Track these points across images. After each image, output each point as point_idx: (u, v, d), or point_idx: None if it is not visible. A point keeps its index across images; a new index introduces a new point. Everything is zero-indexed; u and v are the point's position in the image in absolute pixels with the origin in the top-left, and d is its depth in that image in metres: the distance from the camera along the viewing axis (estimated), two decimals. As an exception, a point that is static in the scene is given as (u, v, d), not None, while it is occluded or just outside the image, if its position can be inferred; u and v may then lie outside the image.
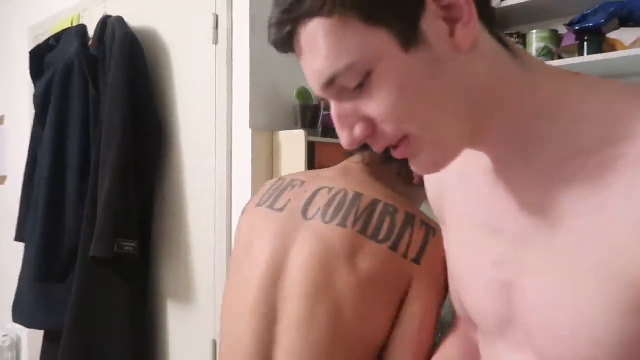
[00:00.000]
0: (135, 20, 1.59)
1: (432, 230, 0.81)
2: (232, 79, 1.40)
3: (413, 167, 0.52)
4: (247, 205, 0.95)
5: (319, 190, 0.86)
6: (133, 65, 1.49)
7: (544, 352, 0.51)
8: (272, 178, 1.38)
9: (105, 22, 1.61)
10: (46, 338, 1.71)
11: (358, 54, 0.46)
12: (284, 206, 0.86)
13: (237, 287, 0.85)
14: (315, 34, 0.47)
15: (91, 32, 1.69)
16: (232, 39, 1.40)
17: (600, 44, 1.54)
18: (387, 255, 0.77)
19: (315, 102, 1.42)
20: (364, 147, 0.97)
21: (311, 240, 0.79)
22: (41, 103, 1.73)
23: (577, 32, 1.62)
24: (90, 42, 1.70)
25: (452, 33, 0.47)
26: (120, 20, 1.55)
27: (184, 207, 1.53)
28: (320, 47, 0.47)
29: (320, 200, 0.84)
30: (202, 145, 1.48)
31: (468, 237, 0.59)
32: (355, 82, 0.47)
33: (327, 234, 0.79)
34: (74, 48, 1.68)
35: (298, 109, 1.40)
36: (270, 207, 0.87)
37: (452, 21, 0.46)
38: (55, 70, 1.70)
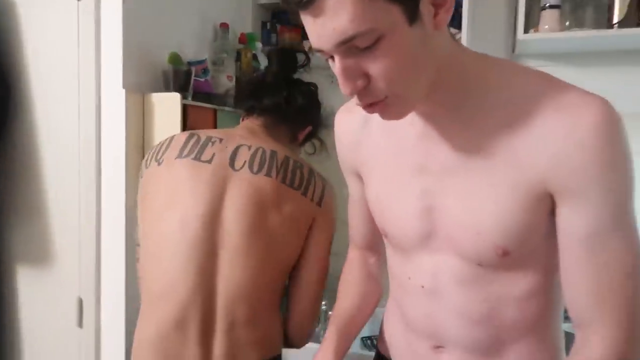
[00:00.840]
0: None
1: (326, 182, 1.08)
2: (100, 37, 1.39)
3: (382, 116, 0.68)
4: (159, 157, 1.04)
5: (239, 146, 1.03)
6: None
7: (464, 249, 0.72)
8: (143, 139, 1.45)
9: None
10: None
11: (377, 22, 0.57)
12: (211, 158, 1.00)
13: (166, 231, 0.96)
14: (344, 0, 0.56)
15: None
16: (99, -3, 1.39)
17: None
18: (300, 199, 1.02)
19: (185, 68, 1.51)
20: (263, 111, 1.15)
21: (245, 187, 0.97)
22: None
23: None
24: None
25: (436, 15, 0.62)
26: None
27: (39, 168, 1.47)
28: (347, 10, 0.56)
29: (243, 156, 1.01)
30: (63, 104, 1.43)
31: (395, 176, 0.79)
32: (367, 43, 0.59)
33: (257, 183, 0.99)
34: None
35: (170, 73, 1.47)
36: (197, 159, 1.00)
37: (437, 6, 0.61)
38: None
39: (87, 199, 1.42)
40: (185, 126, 1.44)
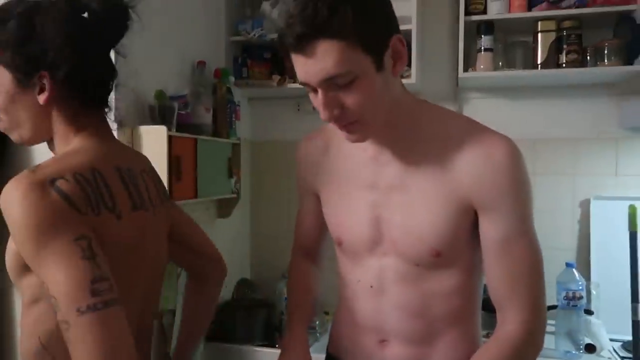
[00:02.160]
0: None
1: None
2: (94, 77, 1.56)
3: (350, 139, 0.88)
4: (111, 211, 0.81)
5: (141, 173, 0.94)
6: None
7: (405, 252, 0.92)
8: (132, 166, 1.61)
9: None
10: None
11: (354, 67, 0.79)
12: (148, 202, 0.91)
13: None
14: (329, 47, 0.77)
15: None
16: (93, 41, 1.55)
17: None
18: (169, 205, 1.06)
19: (168, 103, 1.69)
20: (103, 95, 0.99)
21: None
22: None
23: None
24: None
25: (394, 65, 0.84)
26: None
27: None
28: (333, 56, 0.77)
29: (149, 182, 0.96)
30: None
31: (350, 192, 0.98)
32: (345, 82, 0.80)
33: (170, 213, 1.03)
34: None
35: (156, 108, 1.64)
36: (144, 208, 0.89)
37: (396, 59, 0.84)
38: None
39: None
40: (170, 154, 1.61)
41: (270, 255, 2.45)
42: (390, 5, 0.85)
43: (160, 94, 1.67)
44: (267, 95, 2.38)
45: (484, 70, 1.99)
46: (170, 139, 1.61)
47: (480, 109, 2.20)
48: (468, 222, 0.90)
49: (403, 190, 0.92)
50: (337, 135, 0.93)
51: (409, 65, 2.06)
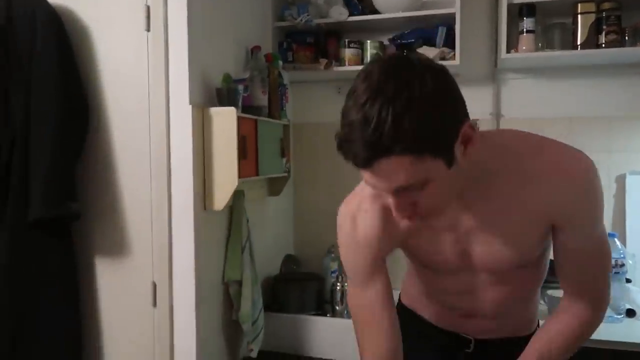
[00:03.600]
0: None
1: None
2: (168, 62, 1.66)
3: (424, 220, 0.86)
4: None
5: None
6: (62, 47, 1.60)
7: (492, 269, 0.96)
8: (203, 146, 1.72)
9: (10, -6, 1.63)
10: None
11: (425, 173, 0.75)
12: None
13: None
14: (397, 164, 0.72)
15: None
16: (167, 28, 1.65)
17: (412, 56, 2.26)
18: None
19: (234, 87, 1.79)
20: None
21: None
22: None
23: (397, 46, 2.33)
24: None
25: (465, 149, 0.78)
26: (38, -4, 1.61)
27: (116, 173, 1.72)
28: (401, 172, 0.73)
29: None
30: (136, 118, 1.69)
31: (434, 235, 0.96)
32: (417, 188, 0.77)
33: None
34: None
35: (224, 90, 1.74)
36: None
37: (466, 143, 0.78)
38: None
39: (158, 196, 1.68)
40: (238, 134, 1.71)
41: (312, 233, 2.56)
42: (458, 91, 0.78)
43: (227, 77, 1.77)
44: (309, 78, 2.46)
45: (525, 52, 2.07)
46: (238, 119, 1.71)
47: (517, 89, 2.29)
48: (547, 234, 0.95)
49: (485, 227, 0.93)
50: None
51: (453, 47, 2.16)
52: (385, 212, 0.93)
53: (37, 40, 1.58)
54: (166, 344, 1.70)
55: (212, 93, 1.77)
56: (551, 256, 1.04)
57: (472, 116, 2.58)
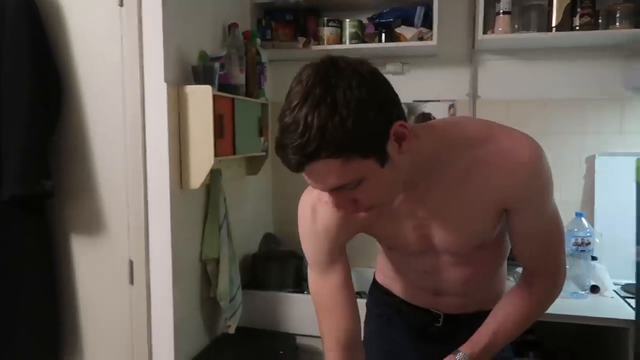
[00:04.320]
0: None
1: None
2: (142, 39, 1.64)
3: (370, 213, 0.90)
4: None
5: None
6: (33, 22, 1.56)
7: (454, 250, 1.00)
8: (179, 124, 1.71)
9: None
10: None
11: (357, 173, 0.78)
12: None
13: None
14: (327, 167, 0.75)
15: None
16: (140, 2, 1.62)
17: (391, 35, 2.27)
18: None
19: (210, 64, 1.77)
20: None
21: None
22: None
23: (375, 25, 2.33)
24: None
25: (400, 147, 0.80)
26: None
27: (90, 150, 1.70)
28: (332, 174, 0.76)
29: None
30: (109, 96, 1.67)
31: (395, 222, 1.00)
32: (351, 186, 0.80)
33: None
34: None
35: (200, 68, 1.73)
36: None
37: (400, 140, 0.80)
38: None
39: (134, 174, 1.67)
40: (215, 113, 1.71)
41: (291, 212, 2.56)
42: (388, 94, 0.80)
43: (203, 55, 1.75)
44: (288, 57, 2.44)
45: (502, 33, 2.09)
46: (214, 98, 1.70)
47: (494, 70, 2.32)
48: (500, 217, 0.98)
49: (442, 213, 0.97)
50: None
51: (430, 27, 2.17)
52: None
53: (6, 17, 1.54)
54: (143, 321, 1.72)
55: (188, 71, 1.76)
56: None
57: (448, 97, 2.60)
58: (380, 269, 1.27)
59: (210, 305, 1.95)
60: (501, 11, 2.08)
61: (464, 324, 1.11)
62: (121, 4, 1.64)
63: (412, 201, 0.96)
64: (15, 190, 1.51)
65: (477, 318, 1.09)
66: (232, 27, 2.00)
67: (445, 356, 1.02)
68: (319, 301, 1.07)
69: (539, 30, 2.12)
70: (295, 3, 2.29)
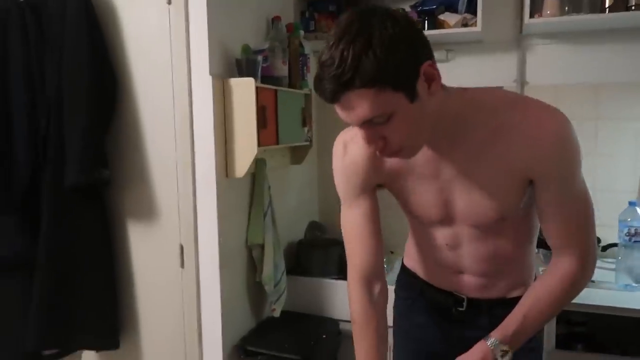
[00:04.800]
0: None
1: None
2: (189, 34, 1.72)
3: (398, 158, 0.94)
4: None
5: None
6: (91, 21, 1.68)
7: (475, 222, 1.03)
8: (224, 115, 1.79)
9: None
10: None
11: (387, 107, 0.83)
12: None
13: None
14: (360, 97, 0.81)
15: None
16: (187, 1, 1.70)
17: (434, 22, 2.25)
18: None
19: (253, 57, 1.83)
20: None
21: None
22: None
23: (418, 12, 2.31)
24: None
25: (429, 87, 0.86)
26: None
27: (143, 141, 1.82)
28: (365, 104, 0.81)
29: None
30: (160, 89, 1.77)
31: (415, 183, 1.05)
32: (382, 120, 0.85)
33: None
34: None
35: (243, 61, 1.80)
36: None
37: (429, 81, 0.86)
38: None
39: (183, 164, 1.77)
40: (257, 104, 1.77)
41: (336, 200, 2.61)
42: (419, 35, 0.86)
43: (246, 48, 1.81)
44: (332, 47, 2.48)
45: (550, 16, 2.02)
46: (257, 90, 1.76)
47: (544, 55, 2.24)
48: (525, 190, 0.99)
49: (464, 177, 0.99)
50: None
51: (475, 13, 2.13)
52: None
53: (68, 16, 1.66)
54: (193, 303, 1.82)
55: (232, 64, 1.83)
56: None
57: (495, 84, 2.53)
58: (407, 253, 1.30)
59: (256, 290, 2.03)
60: (549, -7, 2.01)
61: (487, 309, 1.13)
62: (169, 2, 1.73)
63: (436, 161, 1.00)
64: (76, 178, 1.64)
65: (500, 305, 1.10)
66: (275, 20, 2.05)
67: (467, 341, 1.03)
68: (345, 234, 1.14)
69: (592, 11, 2.03)
70: (338, -7, 2.31)
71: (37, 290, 1.71)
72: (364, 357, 1.09)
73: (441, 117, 0.92)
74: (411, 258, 1.26)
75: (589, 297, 1.79)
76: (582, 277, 1.02)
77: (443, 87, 0.92)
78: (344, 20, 0.83)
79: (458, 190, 1.01)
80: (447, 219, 1.06)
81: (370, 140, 0.89)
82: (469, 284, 1.13)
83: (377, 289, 1.12)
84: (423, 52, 0.86)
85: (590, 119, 2.18)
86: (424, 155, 0.99)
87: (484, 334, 1.03)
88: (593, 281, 1.89)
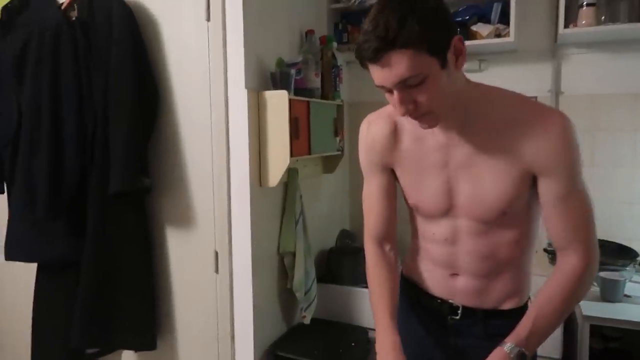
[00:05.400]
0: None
1: None
2: (226, 49, 1.79)
3: (423, 126, 1.03)
4: None
5: None
6: (136, 37, 1.78)
7: (476, 215, 1.08)
8: (259, 126, 1.85)
9: (91, -8, 1.83)
10: (42, 271, 1.95)
11: (423, 69, 0.91)
12: None
13: None
14: (401, 56, 0.89)
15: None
16: (225, 17, 1.78)
17: (466, 33, 2.26)
18: None
19: (287, 70, 1.89)
20: None
21: None
22: (19, 62, 1.88)
23: (451, 24, 2.32)
24: (63, 6, 1.89)
25: (456, 60, 0.96)
26: (115, -7, 1.80)
27: (182, 151, 1.90)
28: (405, 63, 0.90)
29: None
30: (198, 101, 1.85)
31: (424, 170, 1.12)
32: (416, 82, 0.93)
33: None
34: (54, 12, 1.87)
35: (277, 74, 1.86)
36: None
37: (457, 55, 0.96)
38: (32, 30, 1.86)
39: (219, 173, 1.84)
40: (290, 116, 1.82)
41: (367, 209, 2.64)
42: (449, 13, 0.97)
43: (280, 62, 1.88)
44: (364, 58, 2.51)
45: (585, 26, 2.00)
46: (290, 102, 1.82)
47: (579, 65, 2.21)
48: (528, 185, 1.05)
49: (471, 166, 1.06)
50: (404, 120, 1.11)
51: (507, 23, 2.12)
52: (394, 128, 1.15)
53: (114, 31, 1.77)
54: (227, 306, 1.89)
55: (267, 77, 1.89)
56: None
57: (529, 93, 2.54)
58: (406, 263, 1.33)
59: (287, 296, 2.08)
60: (585, 3, 1.99)
61: (482, 318, 1.16)
62: (208, 19, 1.81)
63: (446, 149, 1.08)
64: (120, 186, 1.73)
65: (495, 316, 1.14)
66: (309, 33, 2.11)
67: (462, 350, 1.08)
68: (364, 204, 1.27)
69: (630, 20, 2.00)
70: (370, 6, 2.34)
71: (82, 291, 1.81)
72: (377, 295, 1.21)
73: (458, 98, 1.01)
74: (410, 266, 1.30)
75: (623, 312, 1.76)
76: (588, 274, 1.05)
77: (464, 75, 1.03)
78: None
79: (463, 180, 1.08)
80: (449, 211, 1.12)
81: (402, 101, 0.96)
82: (465, 288, 1.16)
83: (387, 247, 1.26)
84: (454, 27, 0.97)
85: (628, 129, 2.14)
86: (436, 141, 1.09)
87: (479, 343, 1.07)
88: (629, 296, 1.86)
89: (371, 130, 1.20)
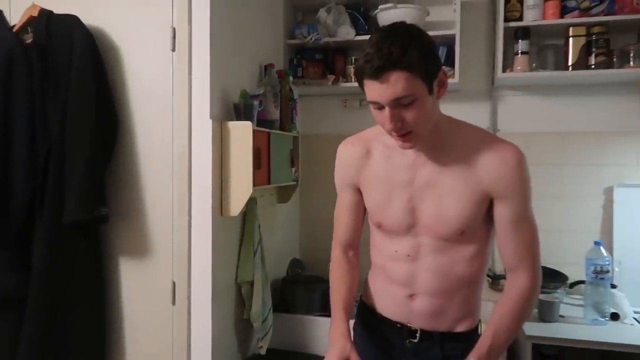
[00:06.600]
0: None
1: None
2: (191, 79, 1.81)
3: (403, 146, 1.15)
4: None
5: None
6: (97, 62, 1.75)
7: (437, 232, 1.19)
8: (221, 156, 1.86)
9: (49, 16, 1.79)
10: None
11: (415, 91, 1.04)
12: None
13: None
14: (399, 76, 1.02)
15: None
16: (191, 48, 1.80)
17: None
18: None
19: (250, 102, 1.93)
20: None
21: None
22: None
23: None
24: (15, 29, 1.83)
25: (439, 91, 1.12)
26: (77, 19, 1.77)
27: (140, 179, 1.87)
28: (401, 83, 1.03)
29: None
30: (160, 129, 1.84)
31: (390, 189, 1.23)
32: (408, 102, 1.05)
33: None
34: (6, 34, 1.80)
35: (241, 105, 1.89)
36: None
37: (440, 86, 1.11)
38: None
39: (179, 202, 1.82)
40: (253, 146, 1.86)
41: (317, 238, 2.70)
42: (436, 49, 1.11)
43: (244, 94, 1.92)
44: (317, 92, 2.62)
45: (520, 72, 2.22)
46: (253, 132, 1.85)
47: (513, 105, 2.44)
48: (485, 207, 1.18)
49: (435, 186, 1.18)
50: (378, 142, 1.25)
51: (452, 66, 2.31)
52: (366, 150, 1.28)
53: (74, 57, 1.73)
54: (183, 339, 1.84)
55: (230, 108, 1.92)
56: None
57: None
58: (365, 289, 1.42)
59: (243, 326, 2.06)
60: (519, 51, 2.22)
61: (438, 341, 1.25)
62: (173, 49, 1.82)
63: (414, 169, 1.20)
64: (75, 216, 1.67)
65: (450, 339, 1.24)
66: (269, 67, 2.18)
67: None
68: (335, 216, 1.41)
69: (557, 68, 2.25)
70: (324, 44, 2.46)
71: (28, 327, 1.70)
72: (335, 290, 1.32)
73: (435, 124, 1.14)
74: (368, 293, 1.39)
75: (560, 331, 1.92)
76: (535, 293, 1.20)
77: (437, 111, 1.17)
78: (385, 28, 1.09)
79: (426, 200, 1.19)
80: (412, 228, 1.22)
81: (392, 117, 1.08)
82: (421, 310, 1.25)
83: (351, 253, 1.39)
84: (440, 61, 1.12)
85: (557, 164, 2.37)
86: (404, 160, 1.21)
87: None
88: (563, 316, 2.03)
89: (346, 150, 1.33)
